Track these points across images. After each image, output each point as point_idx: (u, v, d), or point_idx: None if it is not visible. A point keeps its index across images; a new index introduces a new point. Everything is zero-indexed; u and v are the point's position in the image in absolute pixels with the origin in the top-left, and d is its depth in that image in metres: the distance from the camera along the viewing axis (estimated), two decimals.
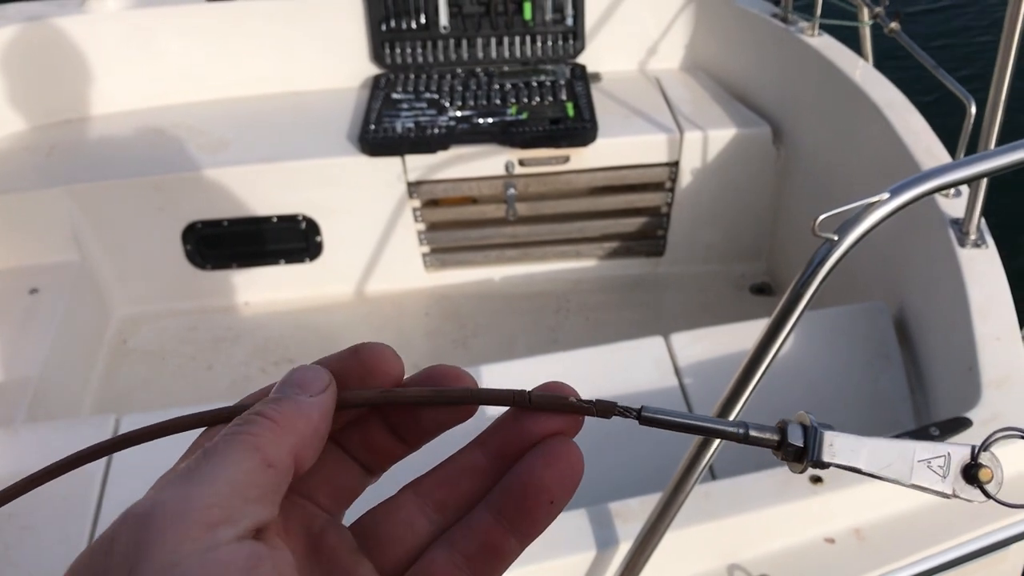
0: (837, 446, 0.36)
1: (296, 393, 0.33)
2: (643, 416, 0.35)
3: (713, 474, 1.30)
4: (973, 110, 1.52)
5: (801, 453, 0.36)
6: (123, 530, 0.28)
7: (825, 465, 0.36)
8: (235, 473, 0.29)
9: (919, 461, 0.37)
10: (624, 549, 1.12)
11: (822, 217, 0.84)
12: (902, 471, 0.36)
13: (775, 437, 0.37)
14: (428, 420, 0.36)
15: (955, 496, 0.36)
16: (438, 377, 0.36)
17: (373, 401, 0.36)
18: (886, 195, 0.90)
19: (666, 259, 2.54)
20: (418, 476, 0.36)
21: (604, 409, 0.35)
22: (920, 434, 1.20)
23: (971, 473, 0.36)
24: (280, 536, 0.31)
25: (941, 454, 0.37)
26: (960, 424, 1.23)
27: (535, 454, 0.34)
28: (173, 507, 0.27)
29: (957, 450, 0.37)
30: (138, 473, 1.52)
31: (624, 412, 0.35)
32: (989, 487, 0.36)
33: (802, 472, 0.37)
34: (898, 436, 0.38)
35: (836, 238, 0.88)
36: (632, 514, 1.15)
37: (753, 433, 0.36)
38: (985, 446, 0.37)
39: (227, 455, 0.29)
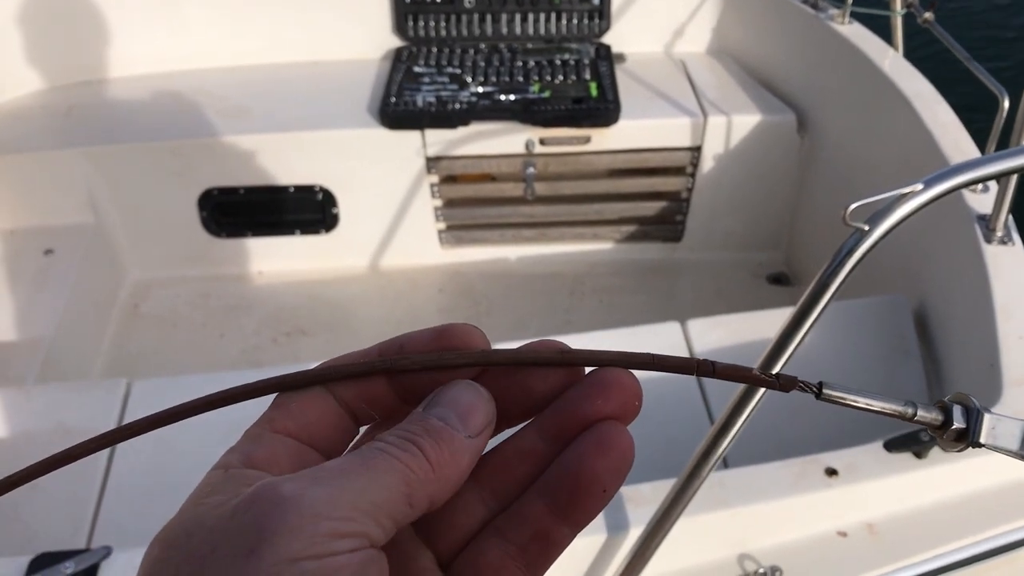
0: (999, 430, 0.37)
1: (457, 427, 0.32)
2: (823, 393, 0.36)
3: (726, 463, 1.28)
4: (1007, 104, 1.49)
5: (963, 433, 0.37)
6: (261, 503, 0.28)
7: (981, 446, 0.38)
8: (379, 499, 0.29)
9: None
10: (635, 534, 1.11)
11: (853, 206, 0.82)
12: None
13: (939, 417, 0.38)
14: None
15: None
16: (450, 337, 0.35)
17: (550, 360, 0.35)
18: (919, 186, 0.88)
19: (684, 245, 2.52)
20: None
21: (786, 383, 0.35)
22: None
23: None
24: None
25: None
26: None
27: (588, 441, 0.34)
28: (314, 506, 0.28)
29: None
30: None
31: (805, 387, 0.36)
32: None
33: (960, 451, 0.38)
34: None
35: (867, 228, 0.86)
36: (644, 499, 1.14)
37: (920, 413, 0.37)
38: None
39: (380, 475, 0.30)
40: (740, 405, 0.90)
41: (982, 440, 0.37)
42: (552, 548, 0.34)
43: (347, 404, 0.35)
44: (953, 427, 0.37)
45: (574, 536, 0.34)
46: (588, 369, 0.36)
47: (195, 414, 0.36)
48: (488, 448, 0.36)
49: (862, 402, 0.36)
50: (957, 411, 0.38)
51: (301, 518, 0.27)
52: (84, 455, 0.36)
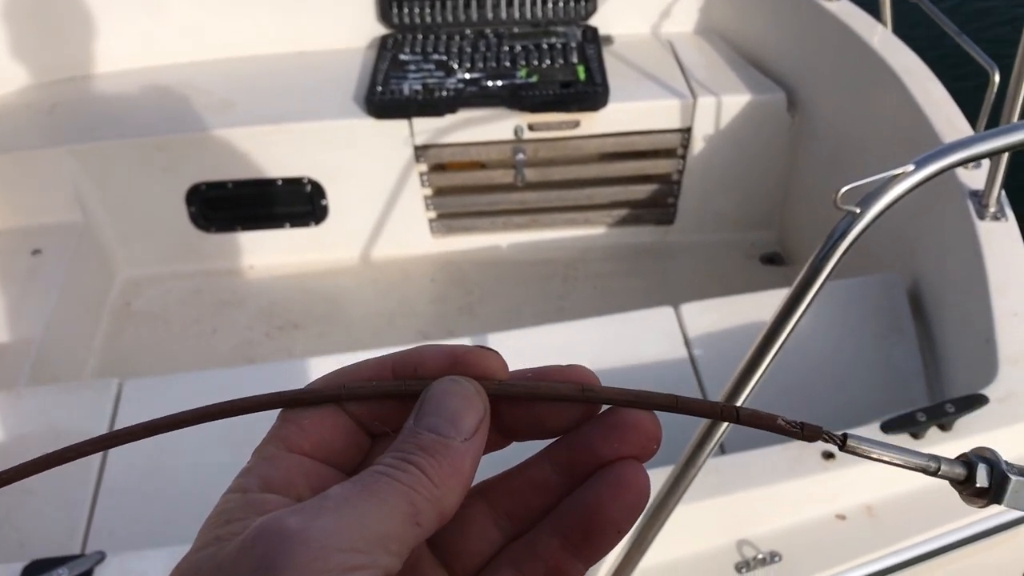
0: (1021, 493, 0.37)
1: (450, 434, 0.32)
2: (847, 445, 0.36)
3: (723, 449, 1.28)
4: (997, 78, 1.48)
5: (984, 491, 0.37)
6: (266, 539, 0.28)
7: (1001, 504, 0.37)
8: (385, 524, 0.29)
9: None
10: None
11: (844, 189, 0.81)
12: None
13: (963, 473, 0.37)
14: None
15: None
16: (465, 365, 0.34)
17: (570, 397, 0.34)
18: (911, 167, 0.87)
19: (676, 227, 2.51)
20: (485, 480, 0.36)
21: (811, 433, 0.35)
22: (936, 411, 1.18)
23: None
24: None
25: None
26: (976, 401, 1.21)
27: (604, 481, 0.34)
28: (322, 539, 0.27)
29: None
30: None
31: (829, 438, 0.35)
32: None
33: (982, 507, 0.38)
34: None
35: (858, 211, 0.85)
36: None
37: (944, 468, 0.37)
38: None
39: (383, 501, 0.29)
40: (735, 391, 0.90)
41: (1004, 503, 0.37)
42: None
43: (360, 420, 0.34)
44: (976, 486, 0.37)
45: (586, 571, 0.34)
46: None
47: (198, 423, 0.35)
48: (500, 469, 0.36)
49: (886, 456, 0.36)
50: (981, 470, 0.37)
51: (309, 553, 0.27)
52: (78, 457, 0.36)
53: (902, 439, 1.18)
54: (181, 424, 0.35)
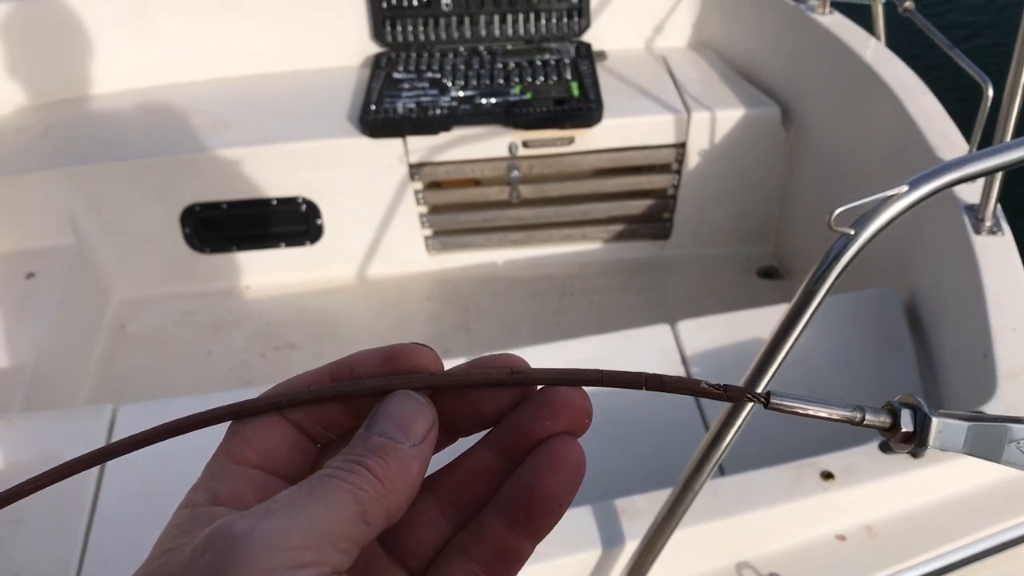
0: (946, 432, 0.38)
1: (399, 440, 0.33)
2: (771, 403, 0.36)
3: (722, 470, 1.27)
4: (991, 93, 1.48)
5: (910, 436, 0.38)
6: (216, 544, 0.28)
7: (926, 448, 0.38)
8: (333, 522, 0.30)
9: (1010, 442, 0.39)
10: (631, 547, 1.09)
11: (839, 211, 0.80)
12: (996, 452, 0.39)
13: (887, 420, 0.38)
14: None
15: None
16: (398, 359, 0.36)
17: (500, 381, 0.35)
18: (904, 187, 0.86)
19: (672, 242, 2.50)
20: (431, 475, 0.37)
21: (734, 394, 0.36)
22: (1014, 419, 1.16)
23: None
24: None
25: None
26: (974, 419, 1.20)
27: (540, 458, 0.35)
28: (269, 539, 0.28)
29: None
30: (134, 466, 1.49)
31: (753, 398, 0.36)
32: None
33: (910, 453, 0.38)
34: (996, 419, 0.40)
35: (853, 232, 0.84)
36: (638, 512, 1.12)
37: (868, 417, 0.38)
38: None
39: (330, 500, 0.30)
40: (732, 414, 0.89)
41: (930, 443, 0.38)
42: (514, 562, 0.35)
43: (303, 427, 0.35)
44: (901, 431, 0.38)
45: (534, 548, 0.35)
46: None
47: (152, 443, 0.36)
48: (445, 463, 0.37)
49: (811, 410, 0.37)
50: (905, 415, 0.39)
51: (256, 553, 0.28)
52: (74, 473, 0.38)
53: (901, 458, 1.17)
54: (135, 446, 0.36)
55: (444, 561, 0.35)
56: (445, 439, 0.37)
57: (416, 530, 0.36)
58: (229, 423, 0.36)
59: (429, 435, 0.34)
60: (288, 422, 0.35)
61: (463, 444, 0.38)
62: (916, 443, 0.38)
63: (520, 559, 0.35)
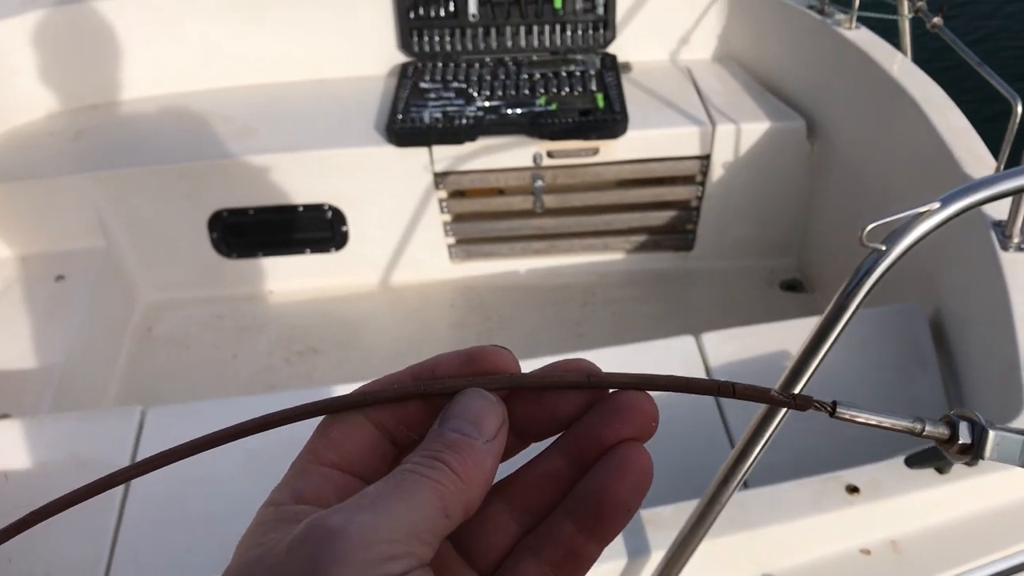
0: (1003, 445, 0.41)
1: (474, 436, 0.35)
2: (837, 412, 0.38)
3: (747, 484, 1.27)
4: (1020, 110, 1.47)
5: (968, 448, 0.41)
6: (313, 538, 0.30)
7: (984, 459, 0.41)
8: (418, 517, 0.31)
9: None
10: (656, 558, 1.10)
11: (871, 226, 0.81)
12: None
13: (946, 432, 0.40)
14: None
15: None
16: (480, 361, 0.37)
17: (577, 384, 0.37)
18: (936, 204, 0.87)
19: (695, 254, 2.51)
20: (501, 480, 0.38)
21: (802, 403, 0.37)
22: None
23: None
24: None
25: None
26: None
27: (609, 464, 0.36)
28: (362, 534, 0.30)
29: None
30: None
31: (820, 406, 0.37)
32: None
33: (967, 464, 0.43)
34: None
35: (884, 248, 0.85)
36: (665, 522, 1.13)
37: (928, 428, 0.39)
38: None
39: (414, 496, 0.32)
40: (761, 427, 0.89)
41: (986, 456, 0.40)
42: (583, 564, 0.36)
43: (385, 428, 0.37)
44: (959, 442, 0.40)
45: (601, 551, 0.37)
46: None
47: (236, 439, 0.38)
48: (516, 467, 0.38)
49: (874, 420, 0.39)
50: (963, 427, 0.40)
51: (352, 547, 0.29)
52: (123, 481, 0.39)
53: (927, 474, 1.17)
54: (218, 442, 0.38)
55: (515, 561, 0.37)
56: (518, 443, 0.38)
57: (487, 533, 0.37)
58: (318, 420, 0.37)
59: (500, 432, 0.35)
60: (370, 424, 0.37)
61: (533, 451, 0.39)
62: (973, 455, 0.40)
63: (589, 561, 0.36)
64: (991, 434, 0.40)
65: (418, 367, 0.37)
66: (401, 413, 0.37)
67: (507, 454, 0.38)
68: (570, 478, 0.37)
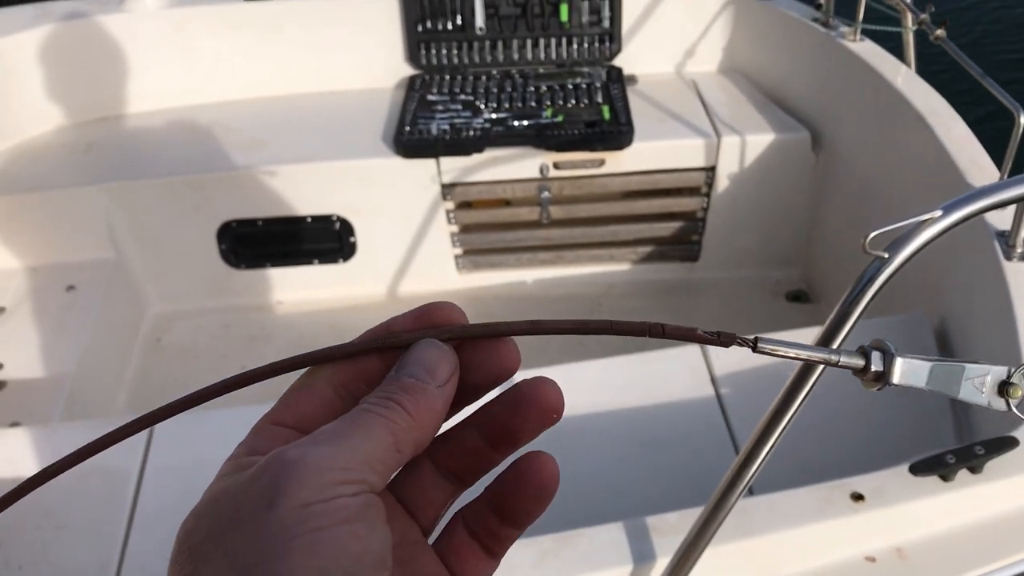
0: (908, 370, 0.43)
1: (427, 381, 0.37)
2: (758, 347, 0.40)
3: (751, 491, 1.28)
4: (1022, 120, 1.49)
5: (880, 375, 0.43)
6: (272, 468, 0.33)
7: (893, 384, 0.43)
8: (371, 449, 0.34)
9: (966, 380, 0.44)
10: (661, 564, 1.11)
11: (873, 234, 0.81)
12: (953, 388, 0.44)
13: (860, 362, 0.43)
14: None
15: (988, 407, 0.44)
16: (430, 315, 0.40)
17: (525, 330, 0.40)
18: (938, 212, 0.88)
19: (701, 264, 2.52)
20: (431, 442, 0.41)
21: (726, 339, 0.40)
22: (965, 453, 1.17)
23: (1003, 389, 0.44)
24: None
25: (983, 374, 0.44)
26: (1006, 443, 1.20)
27: (512, 473, 0.39)
28: (317, 461, 0.33)
29: (996, 370, 0.44)
30: (172, 473, 1.52)
31: (743, 342, 0.40)
32: (1013, 402, 0.44)
33: (879, 389, 0.44)
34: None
35: (887, 256, 0.86)
36: (670, 528, 1.14)
37: (843, 360, 0.43)
38: (1020, 370, 0.44)
39: (369, 430, 0.35)
40: (765, 433, 0.90)
41: (894, 380, 0.43)
42: (505, 542, 0.41)
43: (345, 387, 0.39)
44: (872, 370, 0.43)
45: (519, 533, 0.41)
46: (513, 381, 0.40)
47: (224, 393, 0.41)
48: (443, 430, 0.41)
49: (792, 352, 0.41)
50: (875, 356, 0.43)
51: (307, 473, 0.32)
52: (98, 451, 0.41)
53: (931, 481, 1.18)
54: (210, 396, 0.41)
55: (452, 527, 0.41)
56: (452, 409, 0.41)
57: (425, 488, 0.41)
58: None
59: (452, 378, 0.38)
60: (330, 387, 0.39)
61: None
62: (884, 380, 0.43)
63: (509, 540, 0.41)
64: (898, 360, 0.43)
65: (374, 329, 0.40)
66: (361, 369, 0.39)
67: (458, 405, 0.41)
68: (486, 451, 0.40)
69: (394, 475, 0.40)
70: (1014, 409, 0.44)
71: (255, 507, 0.32)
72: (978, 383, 0.44)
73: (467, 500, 0.42)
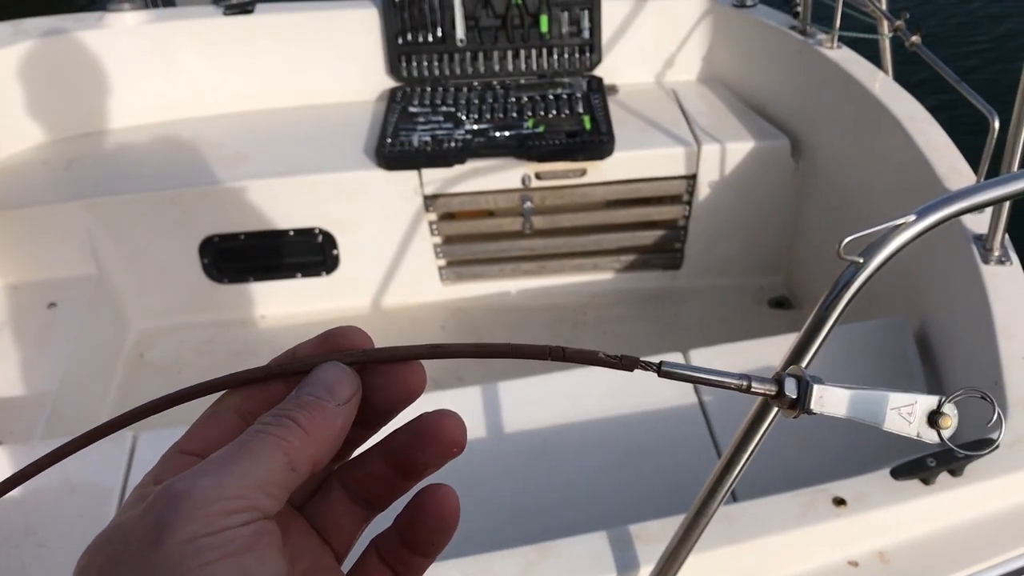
0: (826, 398, 0.41)
1: (326, 399, 0.37)
2: (663, 370, 0.39)
3: (735, 496, 1.28)
4: (997, 125, 1.50)
5: (795, 403, 0.41)
6: (160, 502, 0.32)
7: (812, 413, 0.41)
8: (263, 472, 0.34)
9: (892, 409, 0.42)
10: (644, 572, 1.11)
11: (847, 239, 0.82)
12: (878, 417, 0.42)
13: (773, 389, 0.41)
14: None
15: (918, 438, 0.42)
16: (335, 339, 0.40)
17: (425, 355, 0.39)
18: (912, 217, 0.88)
19: (683, 272, 2.52)
20: (335, 470, 0.41)
21: (628, 363, 0.39)
22: (946, 456, 1.18)
23: (934, 419, 0.42)
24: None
25: (911, 403, 0.42)
26: (985, 445, 1.21)
27: (414, 505, 0.39)
28: (204, 492, 0.32)
29: (924, 400, 0.42)
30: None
31: (646, 366, 0.39)
32: (945, 432, 0.42)
33: (795, 418, 0.42)
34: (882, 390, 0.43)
35: (861, 261, 0.86)
36: (652, 536, 1.14)
37: (755, 386, 0.41)
38: (951, 399, 0.42)
39: (259, 453, 0.34)
40: (746, 438, 0.91)
41: (812, 408, 0.41)
42: (415, 570, 0.41)
43: (252, 414, 0.39)
44: (786, 396, 0.41)
45: (432, 560, 0.41)
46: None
47: (191, 399, 0.41)
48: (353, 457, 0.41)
49: (701, 376, 0.40)
50: (789, 383, 0.41)
51: (194, 504, 0.32)
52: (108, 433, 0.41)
53: (912, 485, 1.18)
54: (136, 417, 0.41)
55: (367, 555, 0.40)
56: (363, 434, 0.41)
57: (336, 514, 0.40)
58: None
59: (353, 398, 0.38)
60: (236, 415, 0.39)
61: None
62: (800, 408, 0.41)
63: (420, 567, 0.41)
64: (815, 388, 0.41)
65: (280, 356, 0.40)
66: (268, 396, 0.39)
67: (368, 428, 0.40)
68: (394, 480, 0.40)
69: (307, 500, 0.41)
70: (946, 440, 0.42)
71: (141, 545, 0.32)
72: (905, 412, 0.42)
73: (383, 526, 0.42)
